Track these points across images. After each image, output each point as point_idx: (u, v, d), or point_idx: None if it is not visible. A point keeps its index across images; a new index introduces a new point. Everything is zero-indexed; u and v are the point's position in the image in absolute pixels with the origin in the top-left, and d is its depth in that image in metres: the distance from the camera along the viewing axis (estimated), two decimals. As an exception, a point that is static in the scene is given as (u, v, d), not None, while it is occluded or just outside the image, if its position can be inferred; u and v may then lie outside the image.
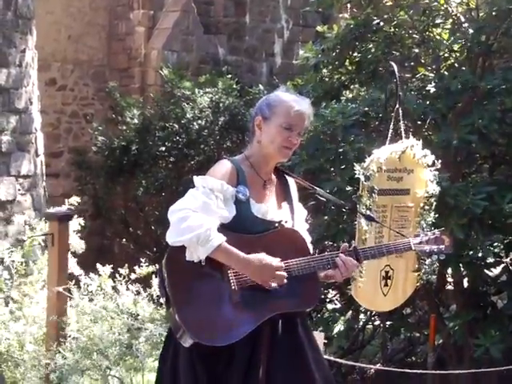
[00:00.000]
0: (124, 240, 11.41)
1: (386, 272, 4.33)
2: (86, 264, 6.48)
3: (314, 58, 6.80)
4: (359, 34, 6.54)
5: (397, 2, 6.34)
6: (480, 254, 5.44)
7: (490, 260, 5.71)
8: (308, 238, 3.65)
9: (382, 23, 6.44)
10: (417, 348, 7.47)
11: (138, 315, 5.92)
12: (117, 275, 6.11)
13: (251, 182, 3.52)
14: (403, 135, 4.52)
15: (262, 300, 3.41)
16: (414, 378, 5.77)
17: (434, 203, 4.31)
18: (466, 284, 6.24)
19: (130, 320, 5.84)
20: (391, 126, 4.48)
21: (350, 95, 6.58)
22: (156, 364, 5.46)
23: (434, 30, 6.40)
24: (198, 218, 3.31)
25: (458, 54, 6.32)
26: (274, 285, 3.39)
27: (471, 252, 5.41)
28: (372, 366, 6.55)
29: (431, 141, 5.75)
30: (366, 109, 6.02)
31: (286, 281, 3.42)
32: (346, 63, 6.74)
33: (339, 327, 6.35)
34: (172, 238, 3.35)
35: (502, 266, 6.02)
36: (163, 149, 10.87)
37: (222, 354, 3.39)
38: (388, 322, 6.85)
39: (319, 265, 3.51)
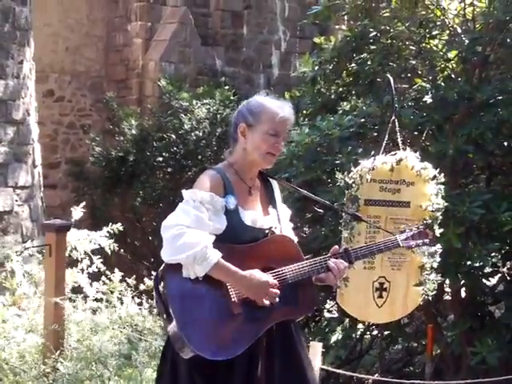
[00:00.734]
0: (121, 251, 11.40)
1: (381, 284, 4.32)
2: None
3: (311, 71, 6.82)
4: (356, 46, 6.57)
5: (394, 14, 6.36)
6: (478, 264, 5.45)
7: (488, 270, 5.71)
8: (295, 239, 3.65)
9: (378, 35, 6.47)
10: (414, 358, 7.47)
11: (136, 325, 5.93)
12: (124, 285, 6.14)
13: (238, 190, 3.51)
14: (401, 146, 4.52)
15: (262, 310, 3.41)
16: (411, 388, 5.77)
17: (440, 217, 4.30)
18: (463, 294, 6.24)
19: (131, 331, 5.84)
20: (385, 137, 4.48)
21: (348, 107, 6.59)
22: (155, 375, 5.47)
23: (430, 41, 6.42)
24: (193, 235, 3.29)
25: (454, 65, 6.35)
26: (266, 302, 3.40)
27: (469, 262, 5.42)
28: (370, 377, 6.54)
29: (429, 152, 5.77)
30: (363, 120, 6.04)
31: (279, 292, 3.41)
32: (343, 75, 6.76)
33: (337, 336, 6.35)
34: (168, 255, 3.33)
35: (499, 275, 6.03)
36: (161, 159, 10.90)
37: (221, 365, 3.37)
38: (385, 332, 6.86)
39: (313, 269, 3.51)
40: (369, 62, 6.47)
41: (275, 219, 3.63)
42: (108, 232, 6.51)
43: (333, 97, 6.68)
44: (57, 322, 5.84)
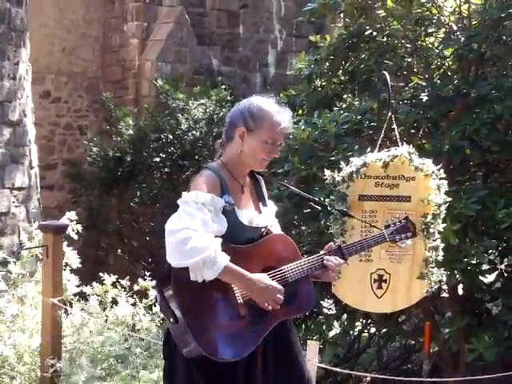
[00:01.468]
0: (119, 251, 11.41)
1: (380, 275, 4.36)
2: (80, 276, 6.48)
3: (307, 68, 6.82)
4: (352, 44, 6.57)
5: (389, 12, 6.36)
6: (475, 261, 5.46)
7: (485, 267, 5.72)
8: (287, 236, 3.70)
9: (374, 33, 6.47)
10: (412, 355, 7.48)
11: (134, 326, 5.93)
12: (118, 286, 6.13)
13: (232, 190, 3.52)
14: (399, 143, 4.54)
15: (266, 310, 3.43)
16: (409, 386, 5.77)
17: (444, 211, 4.32)
18: (460, 291, 6.25)
19: (127, 331, 5.84)
20: (381, 134, 4.50)
21: (344, 105, 6.59)
22: (151, 375, 5.48)
23: (426, 39, 6.42)
24: (200, 238, 3.29)
25: (450, 63, 6.36)
26: (269, 307, 3.42)
27: (466, 259, 5.43)
28: (368, 374, 6.54)
29: (425, 149, 5.78)
30: (359, 117, 6.04)
31: (283, 299, 3.44)
32: (339, 73, 6.76)
33: (335, 331, 6.36)
34: (176, 260, 3.31)
35: (497, 272, 6.03)
36: (158, 160, 10.89)
37: (223, 364, 3.39)
38: (383, 330, 6.86)
39: (310, 267, 3.55)
40: (365, 60, 6.47)
41: (268, 216, 3.66)
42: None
43: (329, 94, 6.68)
44: (54, 323, 5.84)
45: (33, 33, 10.05)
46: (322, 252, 3.65)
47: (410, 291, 4.43)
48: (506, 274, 5.85)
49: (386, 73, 4.82)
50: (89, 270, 6.79)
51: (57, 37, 12.18)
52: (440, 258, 4.35)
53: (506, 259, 6.03)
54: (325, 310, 6.83)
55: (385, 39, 6.45)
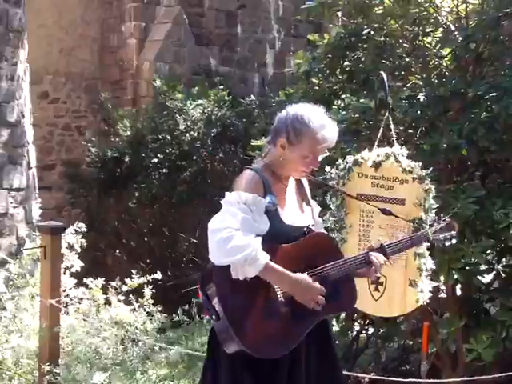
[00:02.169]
0: (117, 252, 11.39)
1: (377, 277, 4.35)
2: (78, 277, 6.48)
3: (305, 65, 6.82)
4: (350, 43, 6.56)
5: (387, 12, 6.35)
6: (472, 261, 5.45)
7: (483, 267, 5.71)
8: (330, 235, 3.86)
9: (372, 32, 6.46)
10: (411, 356, 7.46)
11: (132, 325, 5.93)
12: (109, 287, 6.12)
13: (275, 190, 3.60)
14: (395, 143, 4.53)
15: (307, 308, 3.49)
16: (407, 387, 5.76)
17: (433, 216, 4.31)
18: (458, 292, 6.24)
19: (123, 332, 5.84)
20: (379, 134, 4.50)
21: (342, 104, 6.58)
22: (148, 376, 5.48)
23: (424, 39, 6.42)
24: (242, 237, 3.37)
25: (448, 62, 6.35)
26: (311, 306, 3.48)
27: (463, 259, 5.42)
28: (366, 376, 6.53)
29: (422, 149, 5.77)
30: (357, 116, 6.03)
31: (324, 300, 3.49)
32: (337, 72, 6.76)
33: (334, 328, 6.36)
34: (219, 258, 3.41)
35: (494, 272, 6.02)
36: (156, 160, 10.87)
37: (266, 362, 3.46)
38: (381, 330, 6.85)
39: (353, 265, 3.62)
40: (362, 60, 6.47)
41: (310, 216, 3.73)
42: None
43: (326, 94, 6.67)
44: (52, 324, 5.84)
45: (31, 33, 10.03)
46: (364, 251, 3.73)
47: (405, 299, 4.43)
48: (503, 275, 5.84)
49: (383, 72, 4.82)
50: (87, 271, 6.76)
51: (55, 37, 12.16)
52: (430, 265, 4.34)
53: (503, 259, 6.02)
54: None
55: (382, 39, 6.45)
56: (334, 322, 6.71)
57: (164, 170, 10.92)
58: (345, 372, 6.30)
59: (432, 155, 5.58)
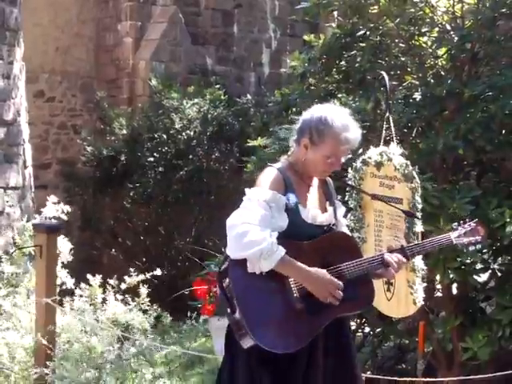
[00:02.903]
0: (113, 251, 11.39)
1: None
2: (74, 275, 6.48)
3: (301, 67, 6.82)
4: (345, 43, 6.57)
5: (383, 11, 6.36)
6: (468, 260, 5.46)
7: (479, 266, 5.72)
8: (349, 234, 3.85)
9: (368, 32, 6.47)
10: (407, 355, 7.47)
11: (128, 325, 5.93)
12: (106, 285, 6.13)
13: (297, 188, 3.63)
14: (394, 143, 4.54)
15: (323, 305, 3.50)
16: (403, 386, 5.77)
17: (419, 216, 4.32)
18: (454, 291, 6.25)
19: (120, 330, 5.84)
20: (382, 134, 4.51)
21: (338, 104, 6.58)
22: (146, 375, 5.48)
23: (420, 38, 6.42)
24: (258, 231, 3.40)
25: (443, 62, 6.36)
26: (329, 300, 3.50)
27: (459, 258, 5.43)
28: (362, 374, 6.53)
29: (418, 148, 5.78)
30: (353, 116, 6.03)
31: (342, 295, 3.51)
32: (333, 72, 6.76)
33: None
34: (235, 252, 3.45)
35: (490, 271, 6.03)
36: (152, 159, 10.89)
37: (283, 358, 3.47)
38: (377, 329, 6.85)
39: (371, 265, 3.63)
40: (358, 60, 6.47)
41: (332, 215, 3.74)
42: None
43: (322, 94, 6.67)
44: (48, 323, 5.84)
45: (26, 32, 10.02)
46: (383, 251, 3.74)
47: (408, 300, 4.44)
48: (499, 274, 5.85)
49: (384, 73, 4.82)
50: (83, 269, 6.76)
51: (51, 36, 12.14)
52: (421, 266, 4.35)
53: (499, 258, 6.03)
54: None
55: (378, 38, 6.45)
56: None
57: (160, 169, 10.93)
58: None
59: (428, 155, 5.59)
